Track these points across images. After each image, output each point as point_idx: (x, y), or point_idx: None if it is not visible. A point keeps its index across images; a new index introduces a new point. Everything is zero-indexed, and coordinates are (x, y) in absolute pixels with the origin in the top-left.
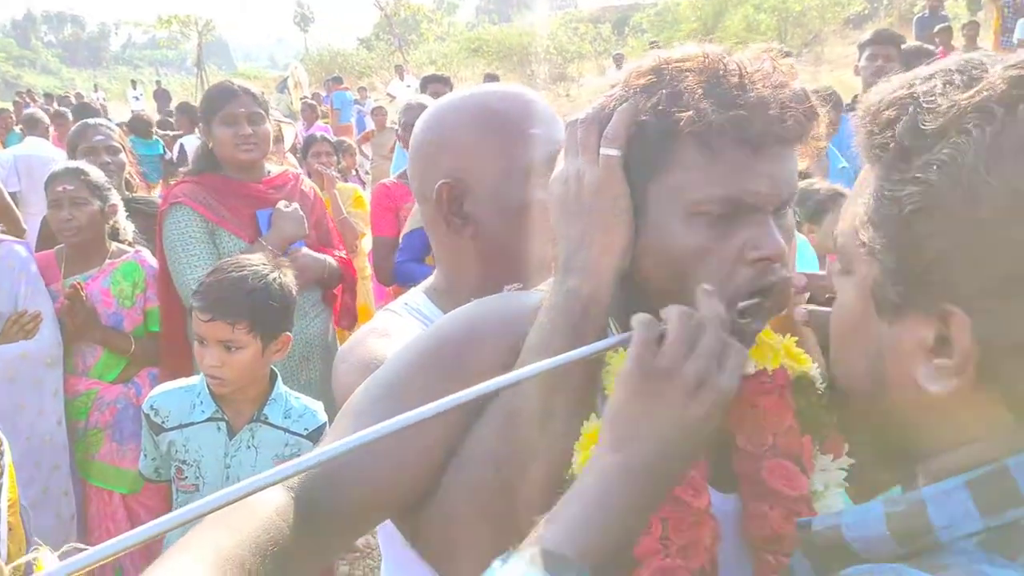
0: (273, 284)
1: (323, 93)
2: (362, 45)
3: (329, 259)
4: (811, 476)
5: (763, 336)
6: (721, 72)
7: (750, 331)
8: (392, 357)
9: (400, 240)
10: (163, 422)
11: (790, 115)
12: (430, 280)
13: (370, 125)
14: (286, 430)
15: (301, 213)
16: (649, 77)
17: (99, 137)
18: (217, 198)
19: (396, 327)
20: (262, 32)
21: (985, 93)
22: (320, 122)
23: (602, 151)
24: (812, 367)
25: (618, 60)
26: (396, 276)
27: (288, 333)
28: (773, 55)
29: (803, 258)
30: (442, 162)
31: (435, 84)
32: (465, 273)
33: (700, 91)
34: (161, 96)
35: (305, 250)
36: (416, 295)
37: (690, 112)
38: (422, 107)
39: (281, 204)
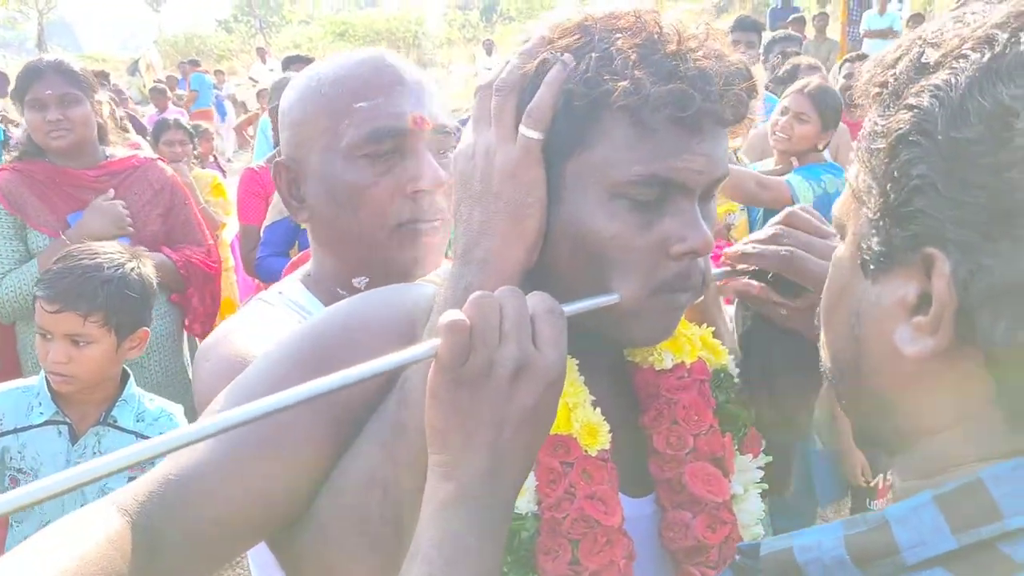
0: (131, 274)
1: (178, 76)
2: (221, 27)
3: (161, 258)
4: (731, 478)
5: (679, 327)
6: (656, 36)
7: (678, 304)
8: (261, 357)
9: (262, 232)
10: None
11: (733, 93)
12: (307, 267)
13: (229, 110)
14: (138, 435)
15: (119, 210)
16: (576, 36)
17: None
18: (34, 188)
19: (267, 320)
20: (112, 12)
21: (990, 22)
22: (173, 107)
23: (522, 131)
24: (729, 359)
25: (488, 46)
26: (257, 272)
27: (146, 328)
28: (706, 20)
29: None
30: (282, 140)
31: (298, 64)
32: (322, 262)
33: (634, 57)
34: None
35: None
36: (292, 284)
37: (625, 82)
38: None
39: (100, 199)
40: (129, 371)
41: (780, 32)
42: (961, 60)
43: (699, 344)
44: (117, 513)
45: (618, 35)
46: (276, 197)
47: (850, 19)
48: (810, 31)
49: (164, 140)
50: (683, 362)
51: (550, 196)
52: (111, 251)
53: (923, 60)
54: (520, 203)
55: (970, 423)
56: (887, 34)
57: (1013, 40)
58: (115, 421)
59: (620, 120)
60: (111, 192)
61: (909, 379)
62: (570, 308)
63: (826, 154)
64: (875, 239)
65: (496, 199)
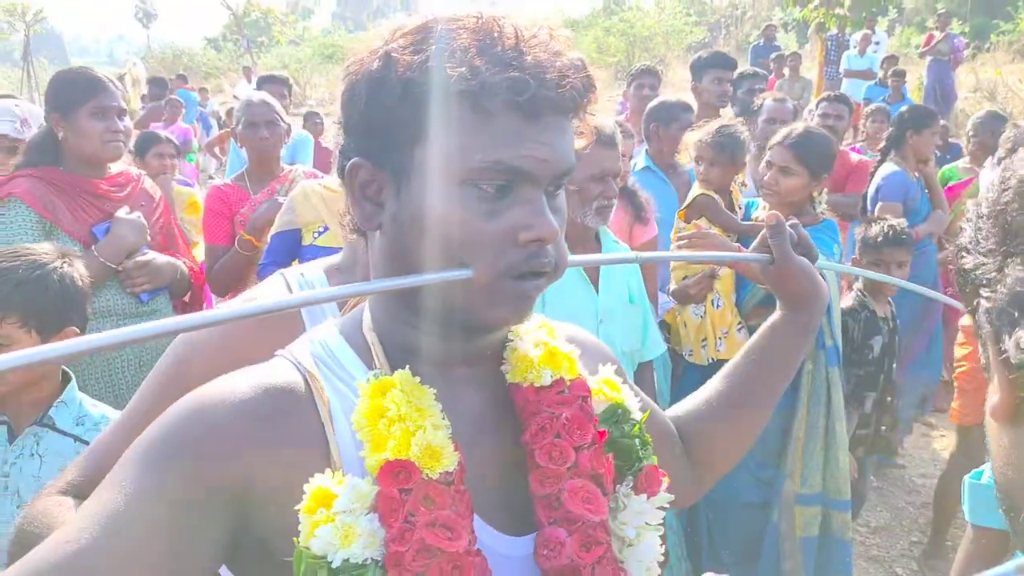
0: (51, 275)
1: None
2: (209, 45)
3: (181, 263)
4: (619, 517)
5: (554, 349)
6: (496, 34)
7: (530, 292)
8: (126, 453)
9: (268, 238)
10: None
11: (568, 83)
12: (336, 258)
13: (214, 127)
14: (76, 438)
15: (143, 221)
16: (417, 35)
17: None
18: (56, 194)
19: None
20: (100, 26)
21: None
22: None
23: None
24: (633, 402)
25: None
26: (258, 278)
27: (74, 328)
28: (551, 25)
29: None
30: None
31: (271, 84)
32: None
33: (474, 50)
34: None
35: (154, 254)
36: (314, 270)
37: (462, 69)
38: (264, 104)
39: (121, 211)
40: (71, 374)
41: (748, 69)
42: None
43: (600, 385)
44: None
45: (460, 32)
46: (287, 205)
47: (828, 59)
48: (786, 70)
49: (153, 152)
50: (562, 378)
51: (400, 180)
52: (37, 253)
53: None
54: None
55: None
56: (867, 75)
57: None
58: (52, 422)
59: (461, 108)
60: (126, 207)
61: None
62: (424, 278)
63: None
64: None
65: None
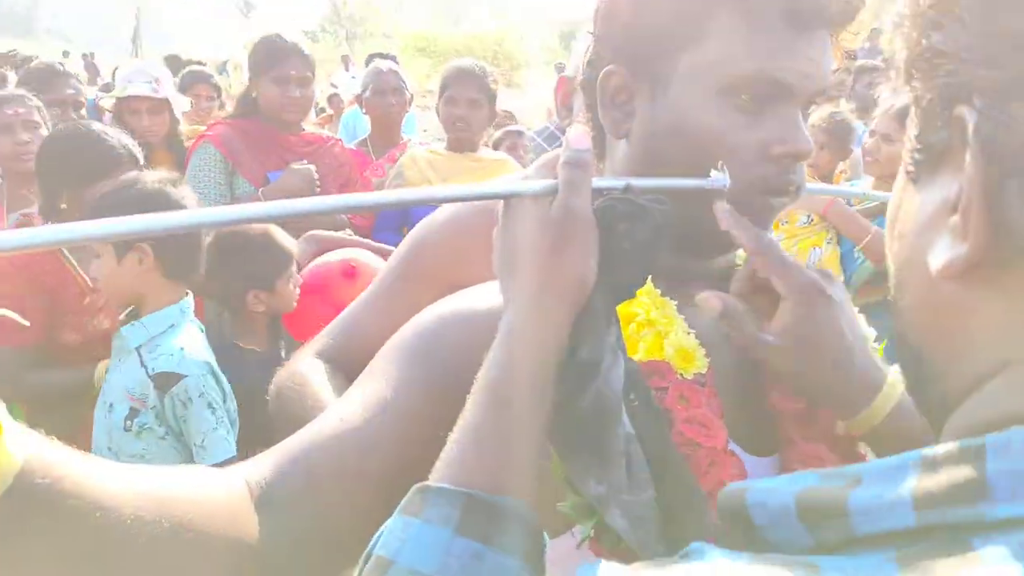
0: (132, 187)
1: None
2: (307, 37)
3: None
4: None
5: None
6: None
7: (773, 207)
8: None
9: None
10: None
11: None
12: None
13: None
14: (142, 364)
15: (312, 173)
16: None
17: (22, 110)
18: (247, 141)
19: None
20: (204, 15)
21: None
22: None
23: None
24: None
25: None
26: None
27: (142, 245)
28: None
29: None
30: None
31: (381, 60)
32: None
33: None
34: (91, 69)
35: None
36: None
37: None
38: (392, 72)
39: (295, 164)
40: (183, 309)
41: (869, 62)
42: None
43: None
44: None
45: None
46: (396, 170)
47: None
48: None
49: (192, 92)
50: None
51: (656, 88)
52: (148, 175)
53: None
54: None
55: (1017, 367)
56: None
57: None
58: (123, 338)
59: (733, 15)
60: (304, 160)
61: (945, 316)
62: (677, 182)
63: None
64: (913, 129)
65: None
